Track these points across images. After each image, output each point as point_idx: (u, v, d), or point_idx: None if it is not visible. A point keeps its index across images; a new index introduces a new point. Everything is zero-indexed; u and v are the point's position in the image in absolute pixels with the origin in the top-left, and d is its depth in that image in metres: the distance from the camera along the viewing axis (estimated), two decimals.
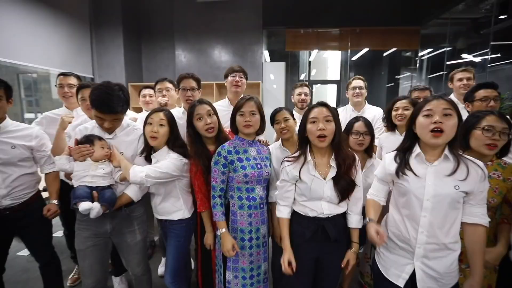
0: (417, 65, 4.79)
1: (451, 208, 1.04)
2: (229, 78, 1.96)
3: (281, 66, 4.84)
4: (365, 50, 5.05)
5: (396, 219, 1.15)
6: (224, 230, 1.36)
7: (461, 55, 4.60)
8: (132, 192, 1.43)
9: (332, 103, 5.62)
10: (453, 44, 4.45)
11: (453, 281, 1.10)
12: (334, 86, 5.63)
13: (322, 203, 1.23)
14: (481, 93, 1.75)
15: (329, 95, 7.30)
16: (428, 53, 4.74)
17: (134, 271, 1.60)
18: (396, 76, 5.82)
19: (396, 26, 4.42)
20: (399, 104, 1.74)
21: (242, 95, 1.92)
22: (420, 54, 4.80)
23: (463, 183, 1.02)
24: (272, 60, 5.17)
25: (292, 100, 2.50)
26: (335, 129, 1.22)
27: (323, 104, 1.25)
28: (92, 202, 1.25)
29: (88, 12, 4.16)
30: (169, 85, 2.06)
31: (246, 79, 2.06)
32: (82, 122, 1.69)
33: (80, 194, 1.24)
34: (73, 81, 1.93)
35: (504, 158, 1.27)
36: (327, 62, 7.69)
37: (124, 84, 4.08)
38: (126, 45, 4.32)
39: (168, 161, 1.41)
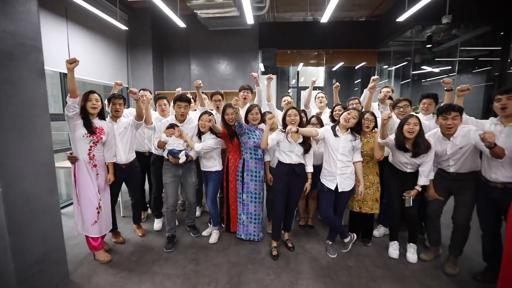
0: (376, 74, 6.22)
1: (350, 153, 2.38)
2: (240, 93, 3.27)
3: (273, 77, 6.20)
4: (341, 64, 6.44)
5: (329, 159, 2.45)
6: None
7: (422, 67, 6.06)
8: (193, 154, 2.72)
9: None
10: (401, 61, 5.88)
11: (352, 185, 2.44)
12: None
13: (293, 155, 2.52)
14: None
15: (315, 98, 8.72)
16: (394, 65, 6.17)
17: (190, 201, 2.88)
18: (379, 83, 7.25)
19: (359, 48, 5.83)
20: (336, 108, 3.07)
21: (248, 103, 3.24)
22: (385, 67, 6.23)
23: (354, 142, 2.37)
24: (266, 73, 6.53)
25: (282, 105, 3.82)
26: (300, 120, 2.53)
27: (295, 108, 2.56)
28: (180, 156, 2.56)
29: (125, 38, 5.45)
30: (205, 96, 3.36)
31: (252, 92, 3.38)
32: (157, 118, 2.98)
33: (175, 152, 2.55)
34: (148, 93, 3.21)
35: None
36: (314, 71, 9.10)
37: (152, 91, 5.39)
38: (154, 61, 5.61)
39: (210, 140, 2.70)
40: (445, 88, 2.60)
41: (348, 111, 2.39)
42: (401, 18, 3.96)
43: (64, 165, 3.57)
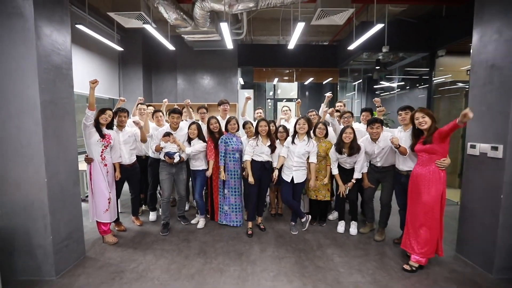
0: (343, 89, 7.22)
1: (304, 156, 3.18)
2: (221, 106, 4.01)
3: (250, 92, 7.03)
4: (310, 79, 7.39)
5: (288, 160, 3.23)
6: (222, 169, 3.35)
7: (381, 82, 7.10)
8: (184, 156, 3.40)
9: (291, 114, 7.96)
10: (359, 77, 6.91)
11: (304, 178, 3.23)
12: (293, 103, 7.93)
13: (263, 155, 3.27)
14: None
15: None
16: (354, 81, 7.20)
17: (181, 194, 3.53)
18: (347, 95, 8.26)
19: (323, 67, 6.80)
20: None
21: (228, 115, 3.98)
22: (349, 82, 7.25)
23: (308, 147, 3.17)
24: (244, 87, 7.34)
25: (255, 116, 4.60)
26: (268, 129, 3.31)
27: (264, 119, 3.34)
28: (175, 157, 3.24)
29: (118, 56, 6.06)
30: (191, 109, 4.07)
31: (229, 105, 4.13)
32: (154, 127, 3.63)
33: (170, 154, 3.21)
34: (145, 107, 3.86)
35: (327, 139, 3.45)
36: (289, 86, 10.08)
37: None
38: (143, 77, 6.24)
39: (198, 145, 3.40)
40: (376, 105, 3.50)
41: (298, 122, 3.21)
42: (351, 47, 4.92)
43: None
